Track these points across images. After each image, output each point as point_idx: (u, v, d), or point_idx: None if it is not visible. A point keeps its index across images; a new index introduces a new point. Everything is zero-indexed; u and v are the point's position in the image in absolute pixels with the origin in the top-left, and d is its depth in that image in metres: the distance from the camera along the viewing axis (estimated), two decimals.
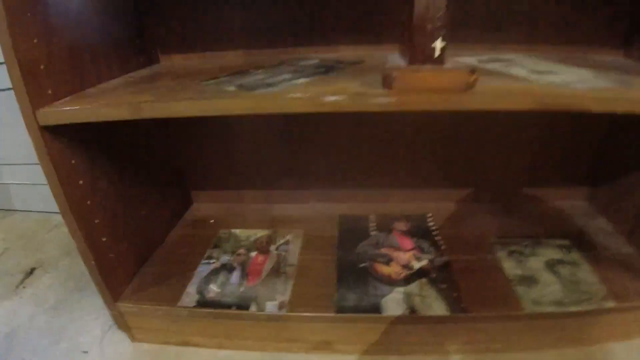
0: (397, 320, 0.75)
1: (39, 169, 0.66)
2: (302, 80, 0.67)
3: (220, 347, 0.84)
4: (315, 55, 0.90)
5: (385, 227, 1.00)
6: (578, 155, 1.05)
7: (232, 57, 0.95)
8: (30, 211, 1.46)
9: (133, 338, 0.87)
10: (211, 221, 1.05)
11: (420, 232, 0.97)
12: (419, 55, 0.57)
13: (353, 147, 1.05)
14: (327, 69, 0.75)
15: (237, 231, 1.00)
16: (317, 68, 0.77)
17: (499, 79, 0.65)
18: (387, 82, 0.58)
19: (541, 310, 0.76)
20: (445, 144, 1.03)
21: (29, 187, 1.39)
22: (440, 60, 0.57)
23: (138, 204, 0.91)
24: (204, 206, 1.15)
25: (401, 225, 1.00)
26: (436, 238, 0.95)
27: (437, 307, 0.76)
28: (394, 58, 0.72)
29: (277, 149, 1.07)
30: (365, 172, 1.08)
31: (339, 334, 0.78)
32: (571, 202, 1.09)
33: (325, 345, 0.80)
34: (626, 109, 0.56)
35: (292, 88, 0.63)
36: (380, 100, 0.57)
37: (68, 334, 0.91)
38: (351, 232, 0.99)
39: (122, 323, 0.85)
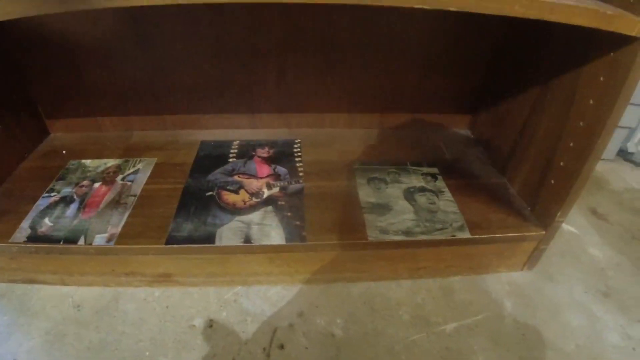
0: (230, 250, 0.72)
1: None
2: None
3: (63, 283, 0.80)
4: None
5: (247, 153, 0.95)
6: (462, 82, 1.00)
7: None
8: None
9: None
10: (63, 152, 0.97)
11: (282, 159, 0.93)
12: None
13: (219, 64, 0.94)
14: None
15: (88, 161, 0.92)
16: None
17: None
18: None
19: (385, 238, 0.74)
20: (321, 62, 0.94)
21: None
22: None
23: None
24: (61, 136, 1.04)
25: (263, 152, 0.95)
26: (297, 165, 0.91)
27: (274, 236, 0.73)
28: None
29: (132, 66, 0.93)
30: (232, 94, 0.99)
31: (177, 266, 0.75)
32: (453, 130, 1.06)
33: (165, 278, 0.77)
34: None
35: None
36: None
37: None
38: (208, 159, 0.93)
39: None
